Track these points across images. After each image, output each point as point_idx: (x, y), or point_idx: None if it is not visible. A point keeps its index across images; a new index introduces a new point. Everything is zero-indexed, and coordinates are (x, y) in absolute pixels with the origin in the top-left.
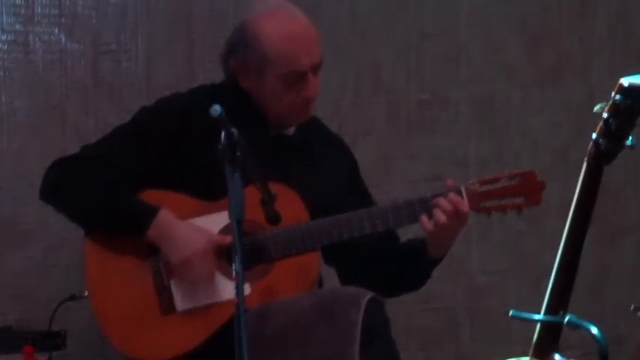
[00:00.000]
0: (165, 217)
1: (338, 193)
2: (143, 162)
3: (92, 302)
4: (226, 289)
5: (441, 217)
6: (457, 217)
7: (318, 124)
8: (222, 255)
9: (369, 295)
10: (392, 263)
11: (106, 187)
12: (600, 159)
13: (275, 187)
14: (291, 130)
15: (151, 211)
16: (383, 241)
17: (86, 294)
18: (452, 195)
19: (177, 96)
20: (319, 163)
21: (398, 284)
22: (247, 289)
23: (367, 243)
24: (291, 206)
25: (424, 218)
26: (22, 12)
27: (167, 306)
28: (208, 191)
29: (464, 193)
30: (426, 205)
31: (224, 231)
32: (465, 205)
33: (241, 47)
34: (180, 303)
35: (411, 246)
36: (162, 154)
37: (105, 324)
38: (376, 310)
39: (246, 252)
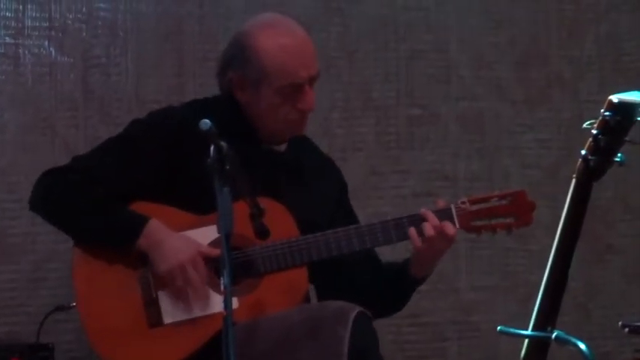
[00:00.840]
0: (155, 225)
1: (327, 211)
2: (134, 173)
3: (80, 313)
4: (214, 303)
5: (429, 231)
6: (444, 238)
7: (308, 143)
8: (211, 268)
9: (357, 309)
10: (373, 283)
11: (96, 198)
12: (589, 175)
13: (265, 203)
14: (283, 147)
15: (142, 220)
16: (365, 260)
17: (73, 304)
18: (443, 222)
19: (169, 109)
20: (309, 181)
21: (377, 306)
22: (235, 303)
23: (351, 261)
24: (281, 221)
25: (412, 231)
26: (12, 25)
27: (155, 318)
28: (198, 204)
29: (454, 212)
30: (414, 221)
31: (213, 244)
32: (450, 227)
33: (238, 60)
34: (167, 315)
35: (393, 266)
36: (154, 165)
37: (93, 336)
38: (364, 325)
39: (234, 266)
